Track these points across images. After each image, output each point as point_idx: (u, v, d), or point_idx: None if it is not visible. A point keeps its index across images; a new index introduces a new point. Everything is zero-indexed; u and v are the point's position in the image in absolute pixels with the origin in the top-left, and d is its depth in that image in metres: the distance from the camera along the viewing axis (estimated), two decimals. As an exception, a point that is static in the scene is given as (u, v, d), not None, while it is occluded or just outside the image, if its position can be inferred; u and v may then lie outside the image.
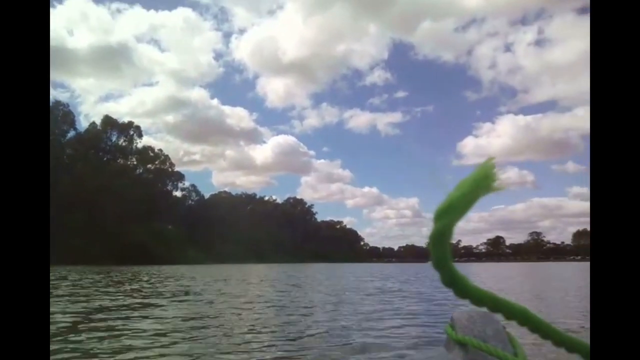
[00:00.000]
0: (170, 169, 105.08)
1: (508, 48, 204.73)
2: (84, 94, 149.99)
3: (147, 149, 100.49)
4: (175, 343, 4.94)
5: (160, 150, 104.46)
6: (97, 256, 68.19)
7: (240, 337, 5.29)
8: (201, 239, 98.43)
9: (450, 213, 0.54)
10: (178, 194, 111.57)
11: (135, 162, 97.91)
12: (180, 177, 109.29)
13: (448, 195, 0.55)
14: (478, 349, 0.84)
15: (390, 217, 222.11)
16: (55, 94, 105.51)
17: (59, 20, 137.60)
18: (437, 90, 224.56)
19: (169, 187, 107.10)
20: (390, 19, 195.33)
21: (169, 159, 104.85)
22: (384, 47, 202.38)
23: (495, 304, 0.64)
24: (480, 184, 0.54)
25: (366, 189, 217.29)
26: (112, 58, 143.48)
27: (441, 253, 0.57)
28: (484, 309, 0.69)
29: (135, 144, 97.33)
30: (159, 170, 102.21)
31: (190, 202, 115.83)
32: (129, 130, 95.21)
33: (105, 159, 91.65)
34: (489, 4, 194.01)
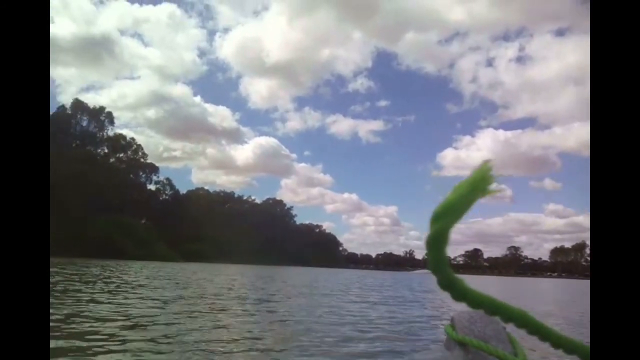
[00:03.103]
0: (142, 160, 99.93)
1: (490, 63, 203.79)
2: (64, 84, 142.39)
3: (119, 137, 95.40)
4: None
5: (133, 139, 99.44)
6: (57, 246, 62.94)
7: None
8: (172, 236, 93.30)
9: (447, 216, 0.54)
10: (152, 187, 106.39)
11: (106, 151, 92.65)
12: (154, 169, 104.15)
13: (445, 198, 0.54)
14: (478, 349, 0.84)
15: (369, 224, 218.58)
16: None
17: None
18: (418, 100, 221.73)
19: (142, 179, 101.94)
20: (375, 27, 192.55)
21: (142, 148, 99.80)
22: (368, 55, 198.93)
23: (493, 307, 0.65)
24: (477, 186, 0.54)
25: (346, 195, 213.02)
26: (94, 49, 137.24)
27: (438, 256, 0.57)
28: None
29: (106, 131, 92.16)
30: (131, 160, 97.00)
31: (164, 196, 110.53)
32: (100, 116, 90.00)
33: (73, 144, 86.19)
34: (472, 18, 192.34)
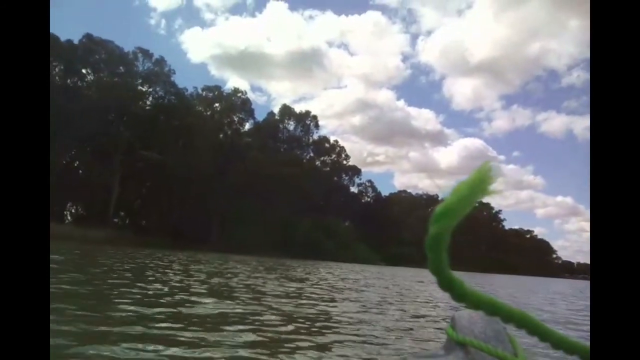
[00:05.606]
0: (345, 162, 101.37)
1: None
2: (278, 98, 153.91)
3: (323, 140, 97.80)
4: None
5: (336, 141, 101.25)
6: (263, 247, 66.02)
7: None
8: (374, 238, 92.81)
9: (447, 217, 0.54)
10: (354, 190, 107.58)
11: (312, 154, 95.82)
12: (357, 171, 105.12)
13: (445, 200, 0.54)
14: (478, 350, 0.84)
15: (587, 229, 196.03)
16: (253, 97, 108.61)
17: (259, 27, 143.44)
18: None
19: (345, 182, 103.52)
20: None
21: (344, 150, 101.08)
22: (586, 44, 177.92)
23: (492, 308, 0.65)
24: (477, 187, 0.53)
25: (559, 198, 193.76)
26: (305, 62, 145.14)
27: (438, 257, 0.56)
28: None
29: (311, 135, 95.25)
30: (335, 163, 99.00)
31: (366, 199, 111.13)
32: (306, 120, 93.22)
33: (282, 149, 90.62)
34: None
